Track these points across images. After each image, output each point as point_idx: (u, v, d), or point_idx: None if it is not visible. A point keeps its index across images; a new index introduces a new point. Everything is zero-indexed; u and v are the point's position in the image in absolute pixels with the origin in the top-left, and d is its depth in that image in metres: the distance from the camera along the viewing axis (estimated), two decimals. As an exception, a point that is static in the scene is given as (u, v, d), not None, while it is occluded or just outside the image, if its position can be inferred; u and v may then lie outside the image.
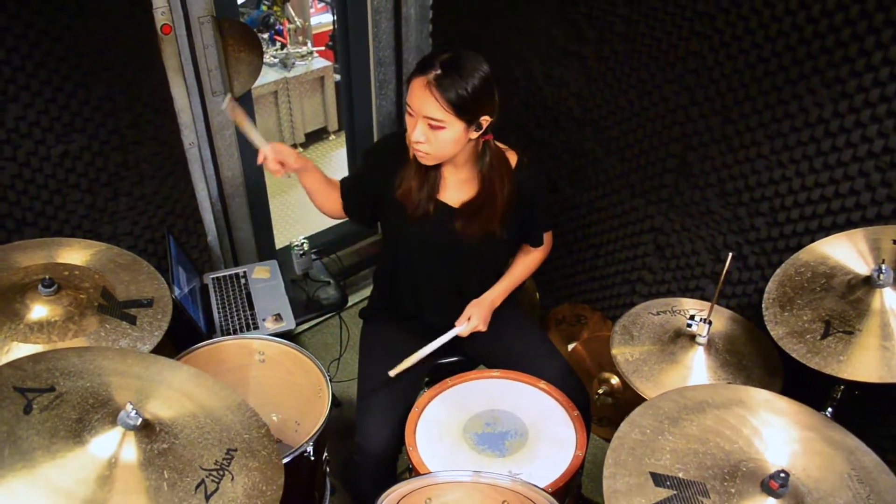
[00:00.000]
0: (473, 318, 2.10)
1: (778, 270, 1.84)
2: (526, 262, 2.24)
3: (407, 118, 1.83)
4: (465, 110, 1.76)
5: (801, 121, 1.96)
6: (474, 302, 2.14)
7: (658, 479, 1.34)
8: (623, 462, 1.38)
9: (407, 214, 1.99)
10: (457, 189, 1.99)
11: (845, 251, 1.79)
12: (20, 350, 1.60)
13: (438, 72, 1.73)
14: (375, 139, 3.33)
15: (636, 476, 1.35)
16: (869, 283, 1.65)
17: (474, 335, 2.15)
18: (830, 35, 1.83)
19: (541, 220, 2.16)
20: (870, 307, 1.62)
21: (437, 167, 1.95)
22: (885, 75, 1.77)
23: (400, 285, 2.16)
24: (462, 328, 2.09)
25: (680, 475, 1.34)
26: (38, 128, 2.10)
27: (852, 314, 1.63)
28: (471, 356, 2.26)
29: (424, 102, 1.76)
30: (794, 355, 1.63)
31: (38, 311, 1.68)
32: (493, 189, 1.96)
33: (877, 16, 1.74)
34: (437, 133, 1.79)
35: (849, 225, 1.95)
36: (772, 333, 1.70)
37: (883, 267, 1.62)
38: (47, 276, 1.71)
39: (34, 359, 1.35)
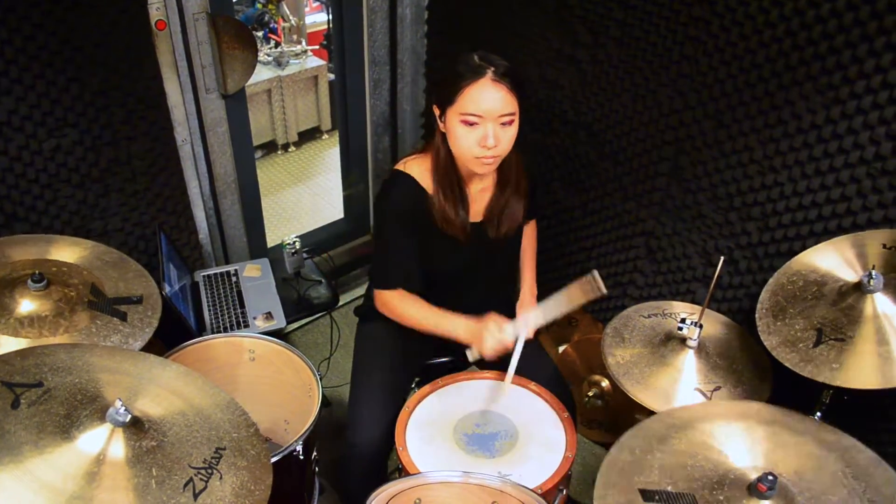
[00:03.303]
0: (531, 320, 2.01)
1: (770, 280, 1.85)
2: (530, 243, 2.25)
3: (464, 131, 1.75)
4: (523, 94, 1.76)
5: (793, 126, 1.97)
6: (520, 305, 2.13)
7: (647, 495, 1.36)
8: (613, 483, 1.40)
9: (439, 247, 1.94)
10: (476, 202, 1.98)
11: (834, 259, 1.80)
12: (10, 344, 1.59)
13: (493, 67, 1.71)
14: (369, 139, 3.32)
15: (625, 494, 1.37)
16: (860, 290, 1.65)
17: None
18: (824, 42, 1.84)
19: (540, 198, 2.20)
20: (862, 313, 1.62)
21: (462, 182, 1.92)
22: (878, 83, 1.78)
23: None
24: (524, 334, 1.99)
25: (668, 489, 1.36)
26: (29, 122, 2.09)
27: (844, 321, 1.64)
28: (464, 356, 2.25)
29: (497, 100, 1.71)
30: (787, 364, 1.63)
31: (28, 305, 1.68)
32: (511, 185, 1.94)
33: (870, 23, 1.75)
34: (507, 130, 1.77)
35: (840, 230, 1.96)
36: (765, 343, 1.71)
37: (873, 273, 1.63)
38: (37, 272, 1.70)
39: (22, 354, 1.34)
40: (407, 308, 2.01)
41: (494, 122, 1.73)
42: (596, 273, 1.80)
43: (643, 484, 1.38)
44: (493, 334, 1.85)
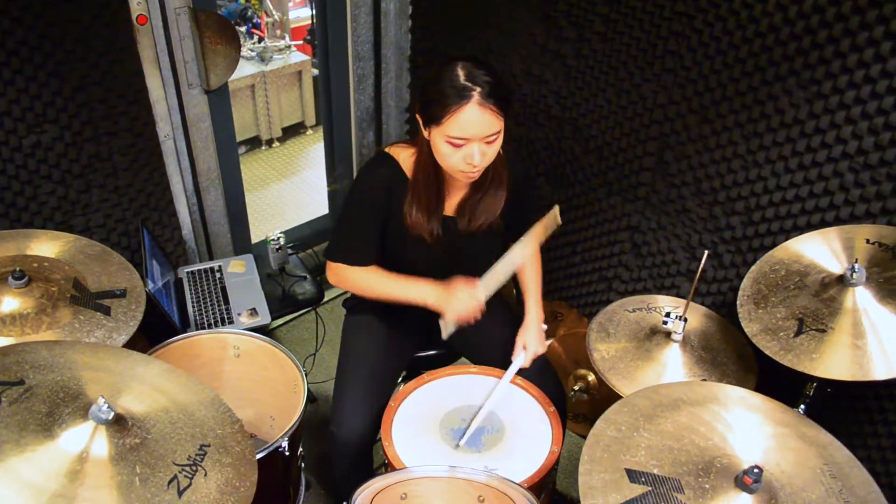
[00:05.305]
0: (529, 347, 2.04)
1: (753, 267, 1.86)
2: (533, 258, 2.23)
3: (449, 150, 1.71)
4: (509, 108, 1.72)
5: (776, 121, 1.98)
6: (522, 330, 2.08)
7: (633, 476, 1.35)
8: (598, 458, 1.39)
9: (409, 238, 1.92)
10: (453, 196, 1.96)
11: (819, 249, 1.81)
12: (-8, 343, 1.57)
13: (478, 88, 1.65)
14: (353, 134, 3.31)
15: (611, 472, 1.36)
16: (842, 282, 1.67)
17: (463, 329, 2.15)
18: (807, 37, 1.85)
19: (532, 206, 2.12)
20: (842, 306, 1.64)
21: (442, 186, 1.90)
22: (860, 77, 1.79)
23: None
24: (521, 359, 2.02)
25: (655, 471, 1.35)
26: (9, 117, 2.06)
27: (825, 312, 1.65)
28: (454, 348, 2.25)
29: (484, 123, 1.67)
30: (767, 352, 1.65)
31: (10, 303, 1.66)
32: (488, 178, 1.90)
33: (853, 18, 1.76)
34: (492, 146, 1.73)
35: (823, 225, 1.97)
36: (746, 330, 1.72)
37: (856, 266, 1.64)
38: (17, 268, 1.68)
39: (2, 351, 1.33)
40: (364, 278, 1.98)
41: (480, 141, 1.70)
42: (556, 208, 1.82)
43: (630, 464, 1.37)
44: (462, 296, 1.83)
